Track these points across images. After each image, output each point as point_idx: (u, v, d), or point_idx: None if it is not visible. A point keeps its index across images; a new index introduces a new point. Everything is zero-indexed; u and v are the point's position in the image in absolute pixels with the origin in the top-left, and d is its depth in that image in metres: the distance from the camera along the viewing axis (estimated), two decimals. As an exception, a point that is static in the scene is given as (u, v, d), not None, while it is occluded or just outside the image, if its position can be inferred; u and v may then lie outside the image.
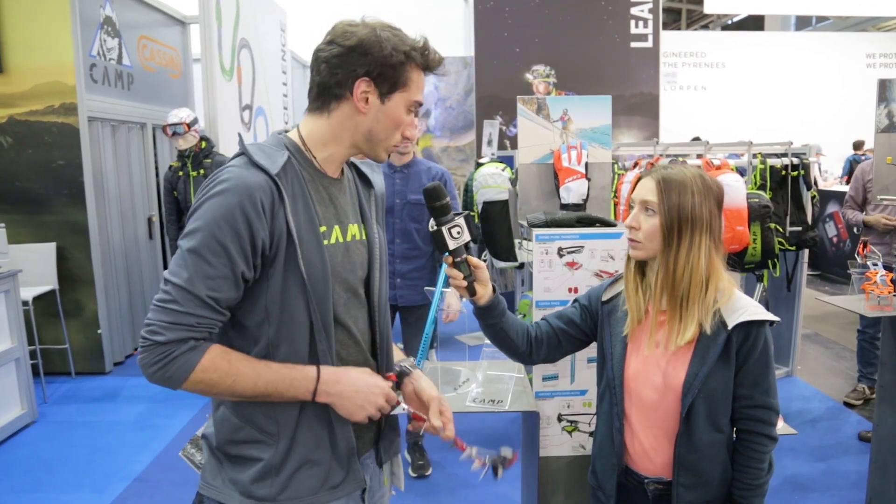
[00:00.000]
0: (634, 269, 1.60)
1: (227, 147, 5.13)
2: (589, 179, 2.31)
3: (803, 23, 16.41)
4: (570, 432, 2.18)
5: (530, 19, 7.72)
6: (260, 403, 1.31)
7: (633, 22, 7.86)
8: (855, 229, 3.93)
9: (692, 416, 1.52)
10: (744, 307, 1.52)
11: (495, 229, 3.97)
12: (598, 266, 2.06)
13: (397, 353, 1.62)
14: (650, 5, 7.84)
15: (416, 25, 1.53)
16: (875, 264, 2.91)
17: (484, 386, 2.11)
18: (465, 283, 1.55)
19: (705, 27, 17.22)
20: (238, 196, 1.22)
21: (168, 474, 3.66)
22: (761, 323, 1.52)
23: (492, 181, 3.87)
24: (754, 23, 16.01)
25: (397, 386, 1.49)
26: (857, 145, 9.99)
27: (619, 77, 7.90)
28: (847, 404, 4.34)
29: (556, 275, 2.07)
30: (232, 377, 1.25)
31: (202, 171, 4.72)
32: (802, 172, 4.26)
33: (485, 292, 1.61)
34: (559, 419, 2.17)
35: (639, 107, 7.97)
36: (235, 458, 1.34)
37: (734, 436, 1.61)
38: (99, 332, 5.20)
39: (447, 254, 1.51)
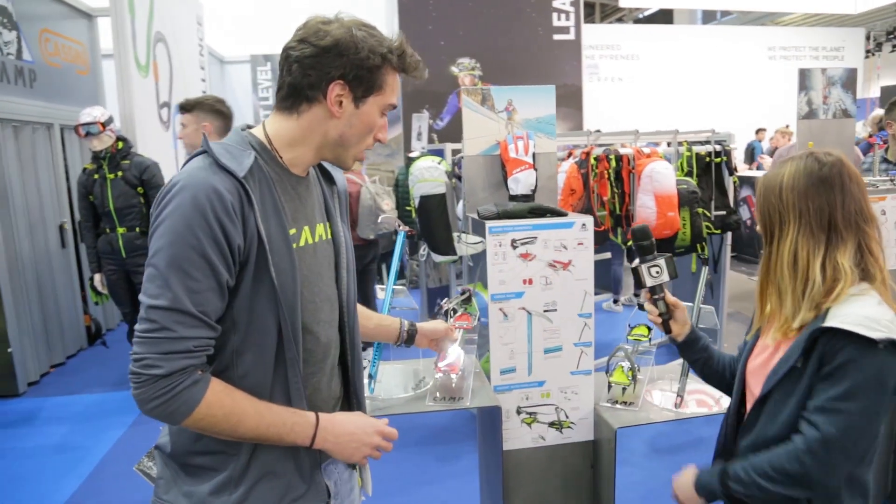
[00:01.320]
0: None
1: (145, 147, 4.86)
2: (536, 170, 2.30)
3: (709, 17, 17.19)
4: (529, 424, 2.17)
5: (454, 12, 7.72)
6: None
7: (555, 15, 7.98)
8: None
9: (762, 413, 1.42)
10: (846, 314, 1.30)
11: (433, 223, 3.93)
12: (552, 256, 2.06)
13: (392, 321, 1.83)
14: (572, -2, 8.02)
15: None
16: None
17: (442, 383, 2.06)
18: (659, 320, 1.66)
19: (619, 20, 17.74)
20: (209, 201, 1.14)
21: (98, 499, 3.44)
22: (858, 338, 1.27)
23: (428, 175, 3.83)
24: (664, 17, 16.63)
25: (409, 345, 1.86)
26: (757, 132, 10.54)
27: (544, 69, 8.01)
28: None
29: (510, 266, 2.05)
30: (236, 416, 1.20)
31: (120, 174, 4.45)
32: (725, 159, 4.43)
33: (681, 331, 1.67)
34: (518, 412, 2.16)
35: (563, 98, 8.11)
36: (193, 468, 1.27)
37: None
38: (9, 350, 4.84)
39: (646, 289, 1.66)
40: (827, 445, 1.28)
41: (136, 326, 1.15)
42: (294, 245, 1.27)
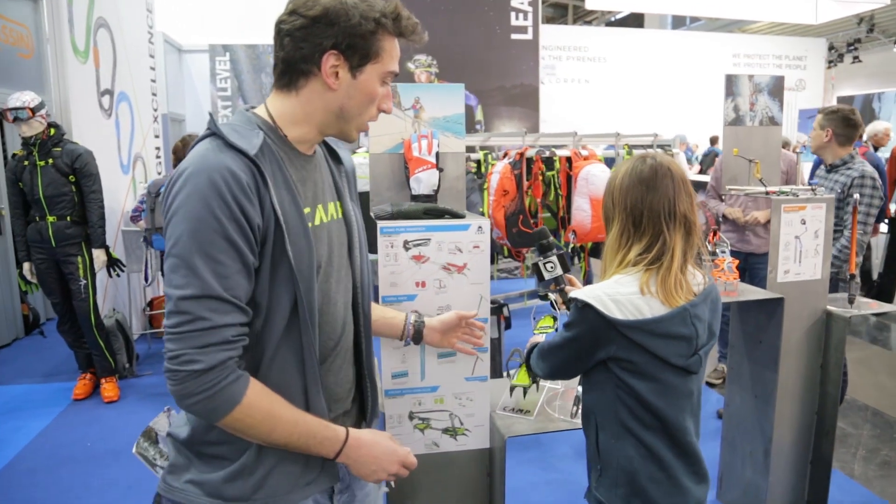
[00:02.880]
0: None
1: (81, 135, 4.73)
2: (441, 170, 2.26)
3: (679, 22, 17.31)
4: (422, 430, 2.12)
5: (412, 8, 7.37)
6: None
7: (513, 14, 7.93)
8: (718, 217, 4.17)
9: None
10: (589, 286, 1.59)
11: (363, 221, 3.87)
12: (446, 259, 2.01)
13: (395, 314, 1.77)
14: (530, -2, 7.98)
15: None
16: (723, 251, 3.05)
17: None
18: (564, 307, 1.85)
19: (588, 23, 17.81)
20: (225, 181, 1.11)
21: (10, 494, 3.34)
22: (579, 302, 1.57)
23: (359, 171, 3.76)
24: (635, 20, 16.72)
25: (417, 342, 1.78)
26: (713, 140, 10.64)
27: (500, 68, 7.97)
28: (708, 384, 4.58)
29: (402, 268, 1.99)
30: (273, 420, 1.18)
31: (51, 161, 4.32)
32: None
33: None
34: (410, 417, 2.11)
35: (520, 97, 8.08)
36: (208, 457, 1.24)
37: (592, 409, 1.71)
38: (-64, 339, 4.70)
39: (551, 282, 1.87)
40: (541, 349, 1.73)
41: (166, 322, 1.12)
42: (309, 224, 1.24)
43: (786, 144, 5.06)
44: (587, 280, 5.79)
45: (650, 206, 1.55)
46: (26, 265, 4.53)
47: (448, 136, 2.33)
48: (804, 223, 2.92)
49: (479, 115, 8.11)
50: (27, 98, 4.25)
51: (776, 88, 3.24)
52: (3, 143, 5.75)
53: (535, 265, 1.87)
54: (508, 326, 4.37)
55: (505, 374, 2.20)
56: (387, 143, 2.32)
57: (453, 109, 2.30)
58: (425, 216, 2.03)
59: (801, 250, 2.92)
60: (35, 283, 4.60)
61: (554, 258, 1.85)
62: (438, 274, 2.02)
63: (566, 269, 1.87)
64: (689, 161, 10.16)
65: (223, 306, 1.12)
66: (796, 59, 13.02)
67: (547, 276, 1.86)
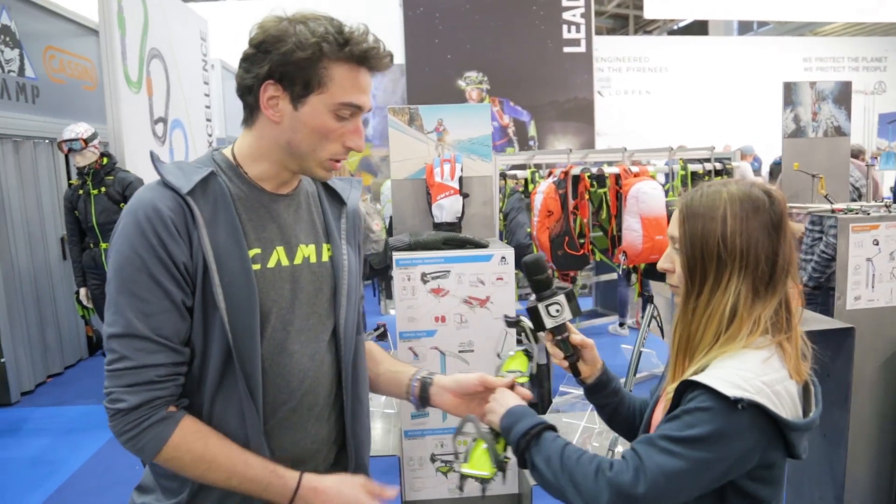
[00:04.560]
0: None
1: (134, 163, 4.85)
2: (466, 195, 2.13)
3: (745, 28, 16.64)
4: (445, 473, 1.98)
5: (461, 25, 7.54)
6: None
7: (565, 27, 7.74)
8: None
9: None
10: (719, 368, 1.14)
11: (405, 245, 3.77)
12: (467, 292, 1.88)
13: (402, 368, 1.48)
14: (582, 10, 7.75)
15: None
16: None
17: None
18: (566, 363, 1.41)
19: (649, 32, 17.36)
20: (148, 220, 1.09)
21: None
22: (708, 390, 1.10)
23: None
24: (700, 28, 16.18)
25: (424, 404, 1.41)
26: None
27: (553, 82, 7.77)
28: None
29: (420, 303, 1.88)
30: (206, 464, 1.14)
31: (104, 189, 4.45)
32: (724, 178, 4.17)
33: (591, 372, 1.44)
34: (432, 460, 1.98)
35: (574, 112, 7.86)
36: (163, 487, 1.22)
37: None
38: (2, 360, 4.89)
39: (546, 331, 1.37)
40: (637, 481, 1.08)
41: (105, 359, 1.12)
42: (257, 266, 1.17)
43: (859, 153, 4.66)
44: (644, 303, 5.49)
45: (784, 257, 1.19)
46: (82, 291, 4.68)
47: (474, 160, 2.20)
48: (877, 244, 2.64)
49: (532, 131, 7.95)
50: (80, 129, 4.40)
51: (842, 95, 2.96)
52: (68, 173, 5.98)
53: (534, 310, 1.35)
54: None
55: (455, 453, 1.42)
56: (409, 169, 2.22)
57: (479, 131, 2.18)
58: (444, 246, 1.90)
59: (874, 274, 2.64)
60: (91, 308, 4.73)
61: (561, 298, 1.35)
62: (459, 308, 1.89)
63: (576, 313, 1.37)
64: (757, 173, 9.67)
65: (148, 346, 1.09)
66: (875, 61, 12.25)
67: (550, 322, 1.35)
